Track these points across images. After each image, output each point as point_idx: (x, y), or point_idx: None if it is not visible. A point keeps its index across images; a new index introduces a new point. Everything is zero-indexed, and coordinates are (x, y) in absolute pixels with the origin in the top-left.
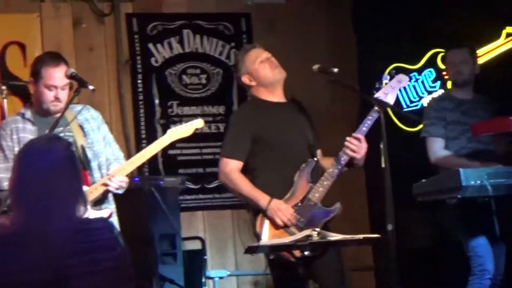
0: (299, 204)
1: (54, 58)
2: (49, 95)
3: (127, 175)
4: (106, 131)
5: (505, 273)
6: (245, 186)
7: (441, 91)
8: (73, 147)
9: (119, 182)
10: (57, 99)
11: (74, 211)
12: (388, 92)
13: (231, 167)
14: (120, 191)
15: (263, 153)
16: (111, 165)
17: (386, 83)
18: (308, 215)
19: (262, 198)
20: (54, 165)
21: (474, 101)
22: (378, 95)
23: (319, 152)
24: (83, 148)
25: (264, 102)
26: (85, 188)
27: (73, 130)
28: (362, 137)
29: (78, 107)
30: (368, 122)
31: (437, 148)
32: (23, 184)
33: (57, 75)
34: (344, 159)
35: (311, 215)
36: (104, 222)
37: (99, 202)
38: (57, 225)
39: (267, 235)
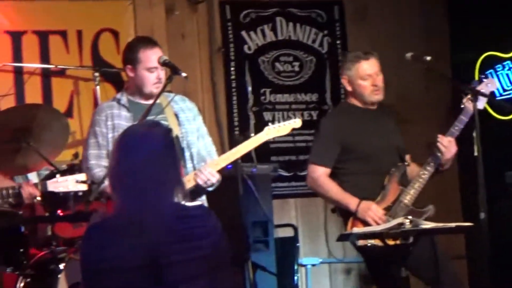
0: (391, 206)
1: (148, 40)
2: (150, 77)
3: (219, 171)
4: (200, 123)
5: None
6: (334, 189)
7: None
8: (173, 133)
9: (209, 174)
10: (159, 79)
11: (173, 197)
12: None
13: (319, 173)
14: (210, 189)
15: (352, 159)
16: (202, 158)
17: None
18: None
19: (351, 201)
20: (153, 151)
21: None
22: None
23: (408, 157)
24: (177, 137)
25: (354, 108)
26: None
27: (168, 118)
28: (453, 139)
29: (175, 96)
30: (459, 125)
31: None
32: (123, 171)
33: (155, 57)
34: (434, 161)
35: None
36: (202, 209)
37: (192, 194)
38: (156, 212)
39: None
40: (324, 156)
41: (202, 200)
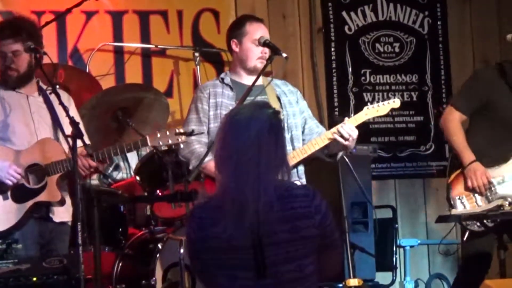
0: (503, 178)
1: (255, 17)
2: (256, 50)
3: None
4: (305, 106)
5: None
6: (459, 138)
7: None
8: (281, 115)
9: (349, 130)
10: (265, 54)
11: (276, 178)
12: None
13: (454, 117)
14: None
15: (488, 119)
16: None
17: None
18: (504, 192)
19: (467, 156)
20: (260, 132)
21: None
22: None
23: None
24: None
25: (508, 72)
26: None
27: (270, 100)
28: None
29: (277, 81)
30: None
31: None
32: (229, 151)
33: (263, 30)
34: None
35: (507, 192)
36: (306, 189)
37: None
38: (261, 192)
39: (455, 189)
40: (464, 103)
41: (301, 181)
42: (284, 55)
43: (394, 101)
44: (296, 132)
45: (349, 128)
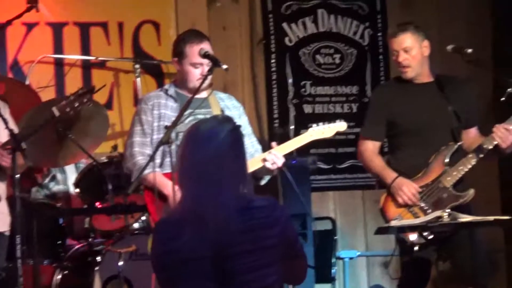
0: (429, 184)
1: (197, 36)
2: (195, 72)
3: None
4: (246, 122)
5: None
6: (375, 162)
7: None
8: (241, 129)
9: (275, 157)
10: (203, 76)
11: (237, 190)
12: None
13: (366, 146)
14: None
15: (399, 135)
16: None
17: None
18: (436, 197)
19: (388, 175)
20: (221, 146)
21: None
22: None
23: (473, 130)
24: None
25: (405, 82)
26: None
27: (213, 112)
28: (510, 127)
29: (222, 94)
30: None
31: None
32: (191, 164)
33: (205, 49)
34: (486, 148)
35: (438, 198)
36: (266, 200)
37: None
38: (222, 205)
39: (389, 212)
40: (372, 129)
41: None
42: (224, 66)
43: (340, 125)
44: None
45: (274, 156)
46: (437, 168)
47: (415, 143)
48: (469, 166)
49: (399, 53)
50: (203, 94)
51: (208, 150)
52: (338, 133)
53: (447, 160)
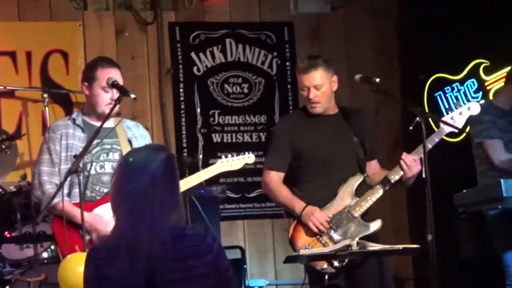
0: (338, 214)
1: (109, 61)
2: (105, 96)
3: None
4: None
5: None
6: (284, 194)
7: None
8: (174, 159)
9: None
10: (113, 101)
11: (170, 219)
12: (455, 119)
13: (271, 178)
14: None
15: (305, 166)
16: None
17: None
18: (345, 227)
19: (297, 204)
20: (154, 176)
21: None
22: (445, 119)
23: (374, 163)
24: None
25: (308, 114)
26: None
27: (121, 143)
28: (417, 159)
29: (130, 122)
30: (428, 145)
31: (500, 151)
32: (124, 195)
33: (114, 74)
34: (393, 179)
35: (347, 228)
36: (198, 229)
37: None
38: (155, 234)
39: (299, 242)
40: (276, 160)
41: None
42: (133, 96)
43: (249, 157)
44: None
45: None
46: (345, 199)
47: (321, 174)
48: (377, 196)
49: (310, 89)
50: (110, 123)
51: (141, 179)
52: (247, 164)
53: (354, 190)
